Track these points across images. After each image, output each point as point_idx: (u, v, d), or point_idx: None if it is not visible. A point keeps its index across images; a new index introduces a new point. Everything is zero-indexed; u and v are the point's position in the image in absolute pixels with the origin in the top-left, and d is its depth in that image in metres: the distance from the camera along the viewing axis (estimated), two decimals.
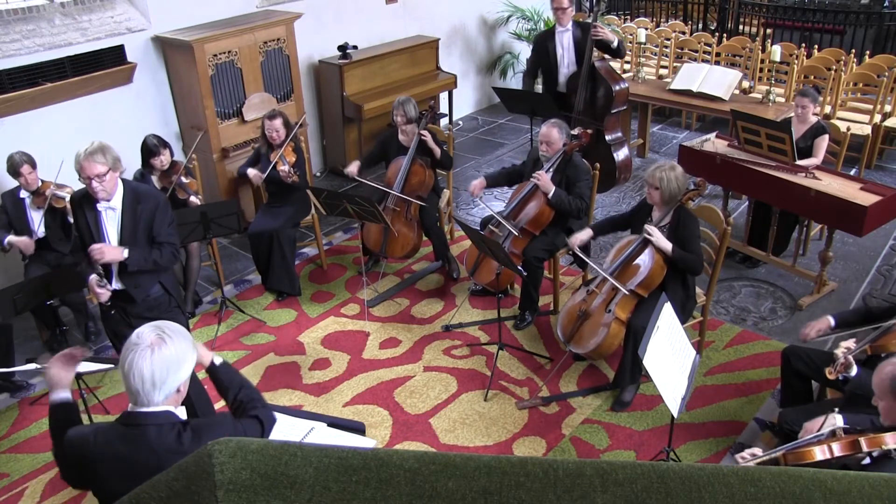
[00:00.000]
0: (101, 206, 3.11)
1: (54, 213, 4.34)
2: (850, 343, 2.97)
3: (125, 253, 3.09)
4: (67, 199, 4.22)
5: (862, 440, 2.37)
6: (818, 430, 2.62)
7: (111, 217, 3.15)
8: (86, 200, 3.12)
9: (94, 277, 3.10)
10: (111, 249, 3.07)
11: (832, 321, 3.26)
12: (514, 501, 1.14)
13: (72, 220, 4.29)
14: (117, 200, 3.13)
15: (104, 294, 3.11)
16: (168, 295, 3.35)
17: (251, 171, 4.82)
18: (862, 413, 2.70)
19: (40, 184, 4.29)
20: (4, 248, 4.26)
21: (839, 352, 2.92)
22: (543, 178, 4.19)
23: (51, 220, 4.34)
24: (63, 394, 2.14)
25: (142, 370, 1.83)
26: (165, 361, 1.85)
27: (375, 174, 5.58)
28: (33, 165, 4.24)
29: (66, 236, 4.42)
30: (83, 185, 3.06)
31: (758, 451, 2.58)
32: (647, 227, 3.67)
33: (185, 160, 4.84)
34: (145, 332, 1.88)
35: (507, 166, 4.71)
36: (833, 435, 2.47)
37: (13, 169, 4.20)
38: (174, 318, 3.34)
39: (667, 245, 3.59)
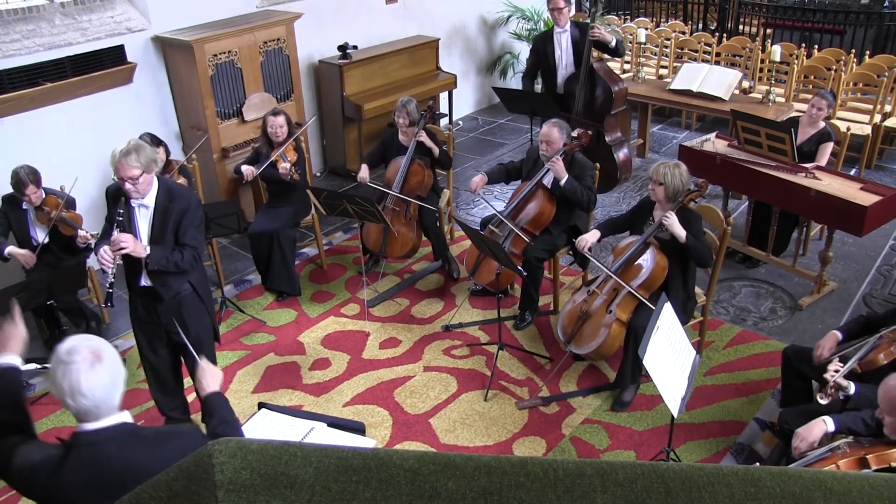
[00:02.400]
0: (134, 203, 3.12)
1: (59, 233, 4.27)
2: (837, 364, 2.92)
3: (147, 249, 3.09)
4: (79, 234, 4.17)
5: (870, 458, 2.34)
6: (813, 440, 2.60)
7: (144, 214, 3.15)
8: (120, 195, 3.12)
9: (104, 247, 3.04)
10: (135, 242, 3.07)
11: (839, 335, 3.19)
12: (514, 501, 1.14)
13: (80, 245, 4.26)
14: (151, 198, 3.13)
15: (107, 263, 3.02)
16: (197, 295, 3.35)
17: (245, 167, 4.78)
18: (852, 412, 2.70)
19: (44, 196, 4.24)
20: (4, 258, 4.17)
21: (828, 375, 2.86)
22: (558, 164, 4.17)
23: (56, 235, 4.28)
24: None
25: (96, 382, 1.77)
26: (112, 366, 1.82)
27: (375, 174, 5.59)
28: (38, 184, 4.15)
29: (72, 253, 4.36)
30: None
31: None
32: (664, 212, 3.63)
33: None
34: (77, 347, 1.80)
35: (506, 162, 4.72)
36: (839, 450, 2.44)
37: (17, 187, 4.11)
38: (201, 318, 3.38)
39: (681, 232, 3.55)
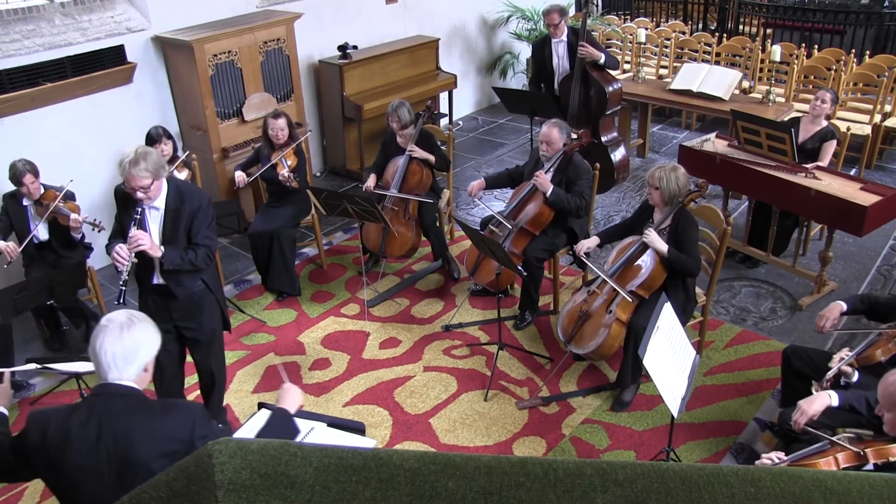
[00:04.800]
0: (144, 205, 3.10)
1: (58, 225, 4.28)
2: (844, 353, 2.99)
3: (161, 250, 3.09)
4: (71, 217, 4.17)
5: (868, 451, 2.35)
6: (814, 413, 2.63)
7: (154, 216, 3.14)
8: (129, 196, 3.10)
9: (120, 244, 3.05)
10: (152, 241, 3.07)
11: (844, 306, 3.20)
12: (514, 501, 1.14)
13: (76, 235, 4.29)
14: (161, 200, 3.13)
15: (122, 261, 3.03)
16: (209, 291, 3.36)
17: (237, 174, 4.82)
18: (857, 391, 2.73)
19: (42, 191, 4.24)
20: None
21: (833, 362, 2.94)
22: (542, 178, 4.20)
23: (55, 229, 4.29)
24: None
25: (114, 347, 1.98)
26: (135, 339, 2.01)
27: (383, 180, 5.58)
28: (36, 174, 4.17)
29: (70, 247, 4.37)
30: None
31: (767, 461, 2.56)
32: (646, 229, 3.69)
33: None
34: (115, 315, 2.03)
35: (511, 167, 4.73)
36: (838, 444, 2.45)
37: (15, 178, 4.12)
38: (213, 314, 3.39)
39: (662, 247, 3.61)
